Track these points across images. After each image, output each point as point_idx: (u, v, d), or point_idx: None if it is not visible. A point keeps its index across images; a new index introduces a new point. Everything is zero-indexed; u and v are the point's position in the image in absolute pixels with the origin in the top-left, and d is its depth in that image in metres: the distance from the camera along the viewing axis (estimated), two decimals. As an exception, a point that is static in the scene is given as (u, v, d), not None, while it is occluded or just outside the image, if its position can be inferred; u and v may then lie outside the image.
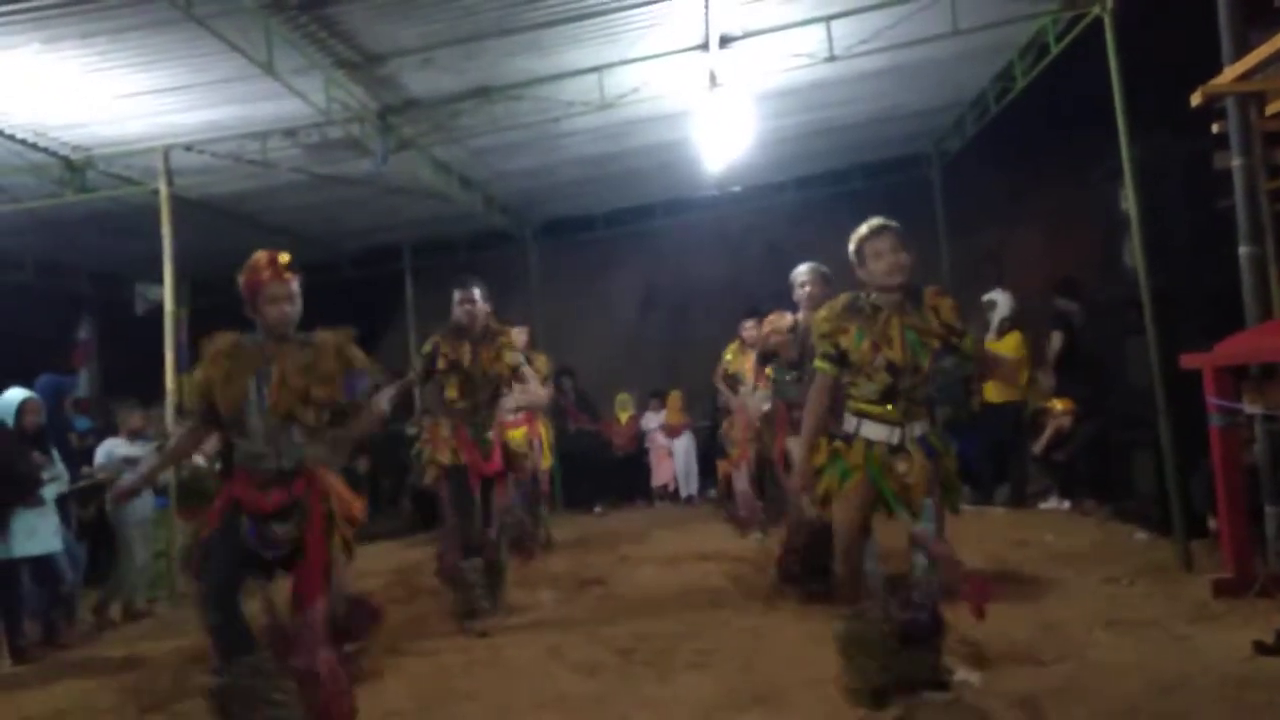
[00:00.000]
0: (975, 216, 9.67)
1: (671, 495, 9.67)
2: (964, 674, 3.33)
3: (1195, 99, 4.44)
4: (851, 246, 3.15)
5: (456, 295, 4.77)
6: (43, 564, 5.13)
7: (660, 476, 9.74)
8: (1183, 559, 4.72)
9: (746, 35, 6.12)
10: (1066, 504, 6.89)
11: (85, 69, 5.29)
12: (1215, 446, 4.30)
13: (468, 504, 4.75)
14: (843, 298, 3.18)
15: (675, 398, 9.81)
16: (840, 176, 9.98)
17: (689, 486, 9.66)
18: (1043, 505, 7.00)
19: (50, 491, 5.20)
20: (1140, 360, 5.34)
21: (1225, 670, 3.21)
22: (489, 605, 4.74)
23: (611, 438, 9.83)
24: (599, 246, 10.91)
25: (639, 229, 10.75)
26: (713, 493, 9.32)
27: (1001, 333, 7.34)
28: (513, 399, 5.20)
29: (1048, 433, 7.01)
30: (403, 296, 10.92)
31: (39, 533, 5.06)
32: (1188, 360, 4.43)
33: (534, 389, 5.03)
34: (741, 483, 6.91)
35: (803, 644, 3.80)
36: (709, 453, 9.55)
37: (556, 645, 4.28)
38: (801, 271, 4.79)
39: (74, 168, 6.78)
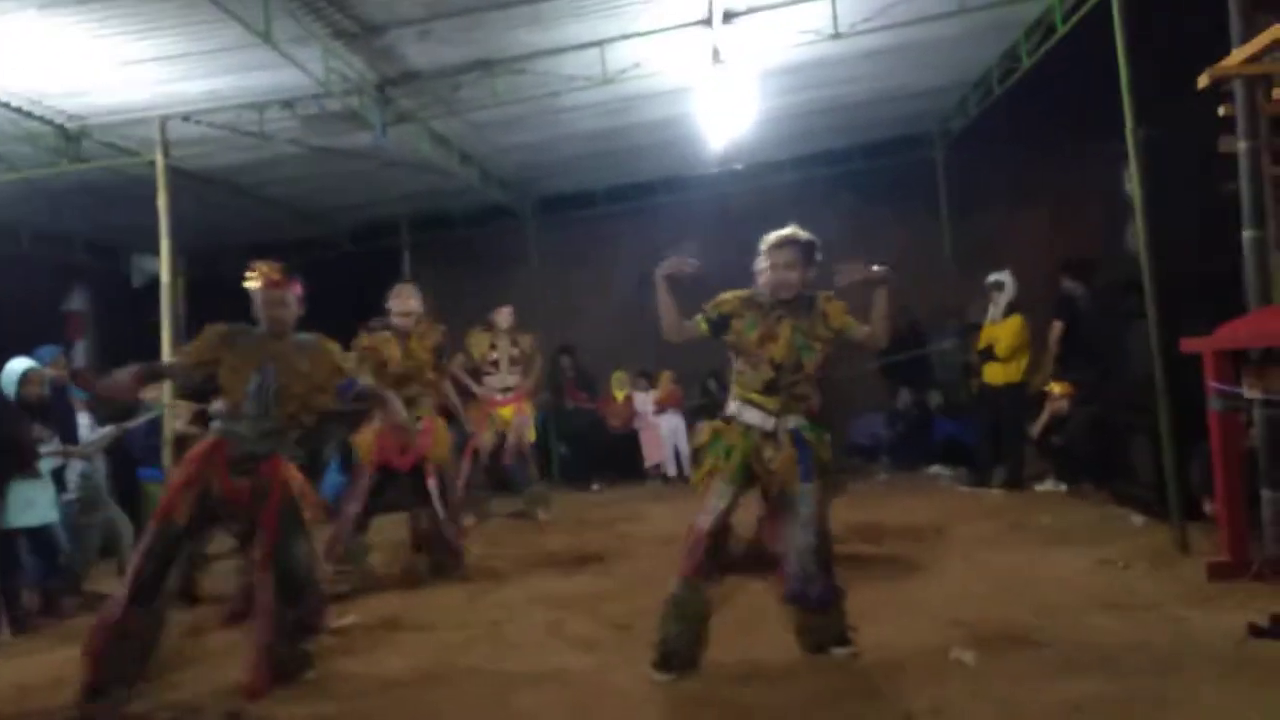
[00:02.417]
0: (978, 198, 9.64)
1: (662, 475, 9.66)
2: (958, 652, 3.35)
3: (1202, 81, 4.40)
4: (757, 259, 3.52)
5: (393, 296, 5.49)
6: (40, 535, 5.12)
7: (651, 456, 9.73)
8: (1179, 542, 4.74)
9: (750, 11, 6.06)
10: (1063, 486, 6.92)
11: (82, 35, 5.22)
12: (1214, 431, 4.30)
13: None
14: (749, 291, 3.53)
15: (665, 377, 9.78)
16: (842, 156, 9.92)
17: (680, 466, 9.66)
18: (1039, 487, 7.02)
19: (47, 464, 5.19)
20: (1141, 344, 5.33)
21: (1220, 652, 3.23)
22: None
23: (607, 416, 9.83)
24: (598, 223, 10.85)
25: (639, 206, 10.69)
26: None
27: (1005, 315, 7.27)
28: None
29: (1045, 415, 7.02)
30: (399, 272, 10.87)
31: (36, 504, 5.05)
32: (1188, 344, 4.42)
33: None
34: None
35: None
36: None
37: (556, 621, 4.30)
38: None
39: (70, 137, 6.71)
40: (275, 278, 3.63)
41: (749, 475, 3.41)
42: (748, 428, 3.42)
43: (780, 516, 3.44)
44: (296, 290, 3.70)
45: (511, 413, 7.34)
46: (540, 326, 9.82)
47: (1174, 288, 5.23)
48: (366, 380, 3.89)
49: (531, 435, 7.64)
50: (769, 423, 3.41)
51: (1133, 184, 5.18)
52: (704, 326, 3.46)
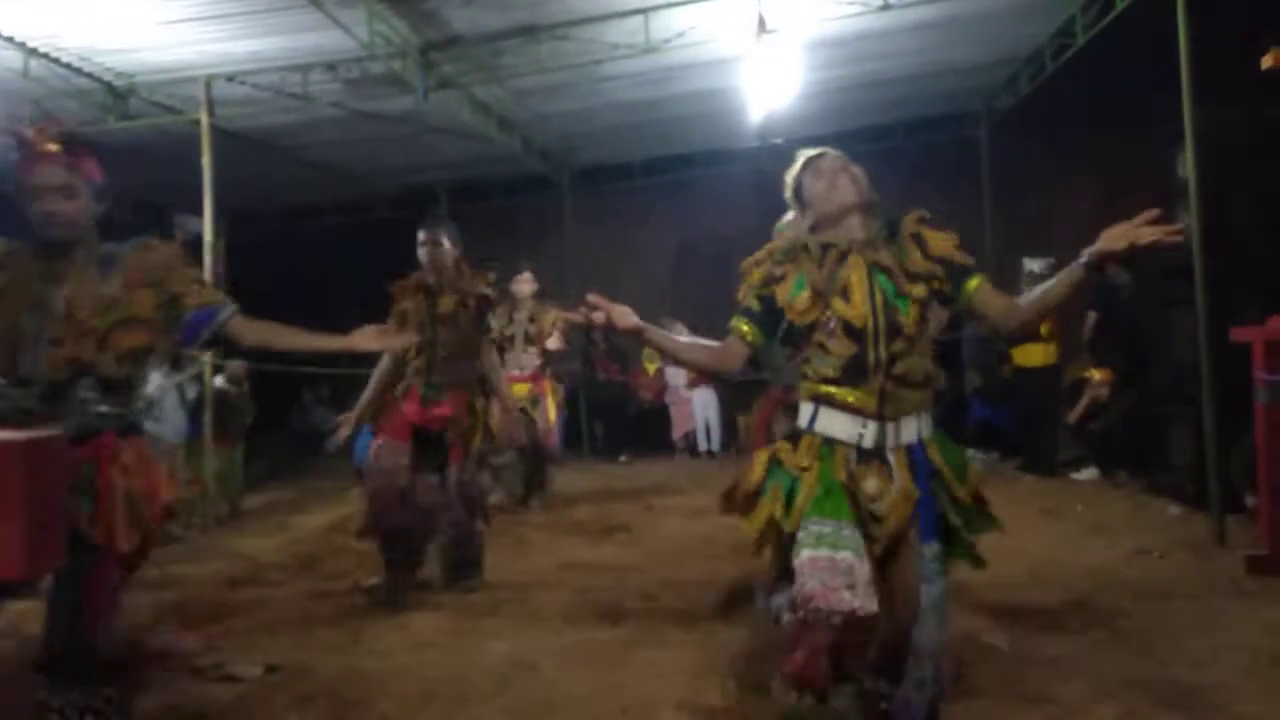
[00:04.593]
0: (1022, 179, 9.44)
1: (691, 448, 9.69)
2: (991, 637, 3.33)
3: (1266, 62, 4.27)
4: (787, 194, 2.42)
5: (420, 234, 4.25)
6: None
7: (680, 428, 9.75)
8: (1217, 534, 4.65)
9: (799, -21, 5.95)
10: (1098, 474, 6.82)
11: (130, -7, 5.26)
12: (1260, 422, 4.20)
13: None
14: (785, 237, 2.43)
15: (680, 327, 9.74)
16: (884, 132, 9.75)
17: (709, 440, 9.67)
18: (1074, 475, 6.92)
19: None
20: (1185, 332, 5.21)
21: (1257, 646, 3.17)
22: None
23: (638, 389, 9.85)
24: (635, 195, 10.80)
25: (676, 179, 10.61)
26: (735, 447, 9.33)
27: None
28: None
29: (1084, 402, 6.91)
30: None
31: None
32: (1238, 333, 4.31)
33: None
34: None
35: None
36: (733, 407, 9.55)
37: (583, 589, 4.33)
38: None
39: (117, 94, 6.79)
40: (46, 145, 2.22)
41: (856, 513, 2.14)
42: (829, 444, 2.17)
43: (883, 588, 2.13)
44: (89, 169, 2.29)
45: (526, 391, 6.21)
46: (574, 297, 9.83)
47: (1224, 275, 5.10)
48: (232, 311, 2.46)
49: (550, 417, 6.53)
50: (866, 432, 2.15)
51: (1187, 167, 5.03)
52: (747, 330, 2.26)
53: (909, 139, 9.70)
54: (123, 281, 2.33)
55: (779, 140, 9.85)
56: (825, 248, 2.24)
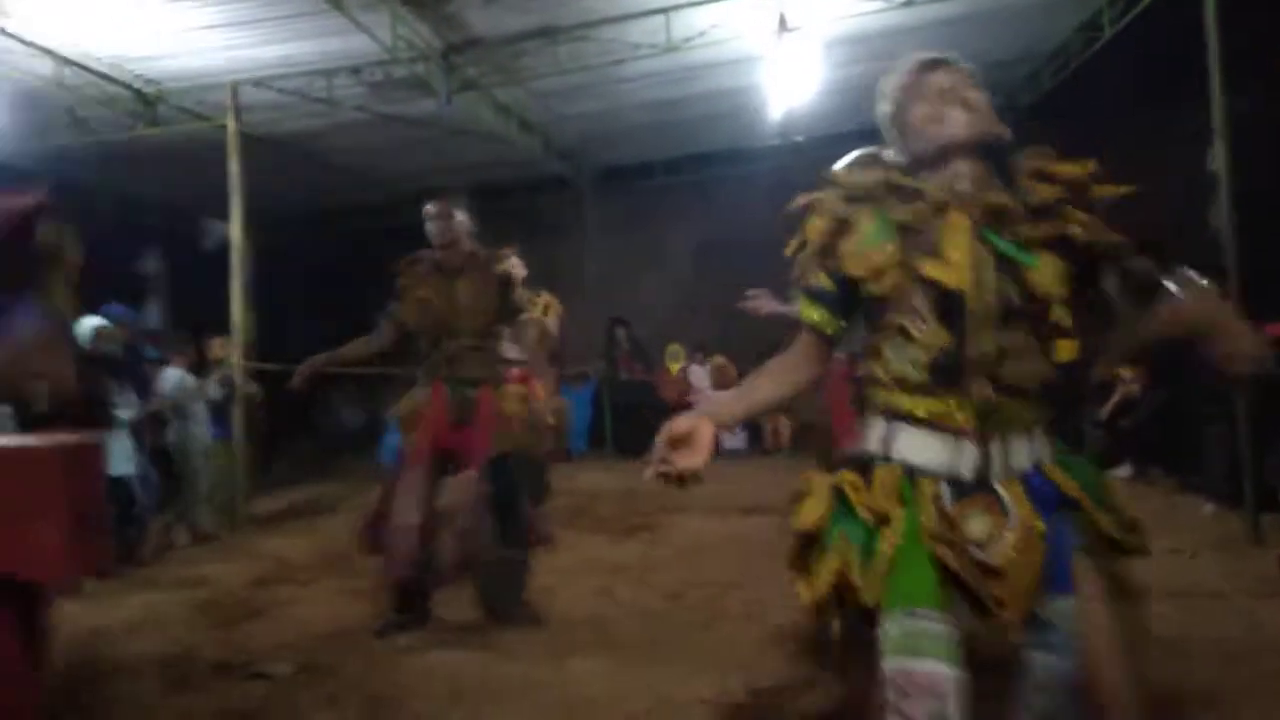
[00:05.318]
0: (1047, 174, 9.33)
1: (715, 448, 9.67)
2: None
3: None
4: (885, 103, 1.75)
5: (429, 207, 3.78)
6: (116, 486, 5.33)
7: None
8: (1252, 532, 4.58)
9: (820, -23, 5.93)
10: (1131, 472, 6.73)
11: (159, 1, 5.34)
12: (1295, 419, 4.14)
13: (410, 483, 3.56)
14: (857, 175, 1.71)
15: (718, 361, 9.71)
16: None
17: (734, 440, 9.66)
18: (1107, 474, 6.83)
19: (123, 417, 5.40)
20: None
21: (1293, 647, 3.12)
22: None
23: (662, 388, 9.86)
24: (655, 195, 10.80)
25: (696, 178, 10.61)
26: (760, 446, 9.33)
27: None
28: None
29: (1115, 398, 6.83)
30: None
31: (113, 456, 5.25)
32: (1273, 330, 4.24)
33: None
34: None
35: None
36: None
37: (606, 588, 4.34)
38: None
39: (147, 101, 6.89)
40: None
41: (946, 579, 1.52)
42: (912, 475, 1.58)
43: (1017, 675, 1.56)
44: None
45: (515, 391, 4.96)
46: (594, 298, 9.88)
47: (1257, 269, 5.02)
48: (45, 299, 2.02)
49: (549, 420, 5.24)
50: (963, 458, 1.56)
51: (1217, 161, 4.96)
52: (819, 319, 1.65)
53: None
54: None
55: (800, 138, 9.82)
56: (916, 194, 1.59)
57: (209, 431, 6.43)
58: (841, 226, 1.62)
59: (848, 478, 1.60)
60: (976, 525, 1.53)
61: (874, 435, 1.63)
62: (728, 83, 7.59)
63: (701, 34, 6.41)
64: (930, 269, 1.53)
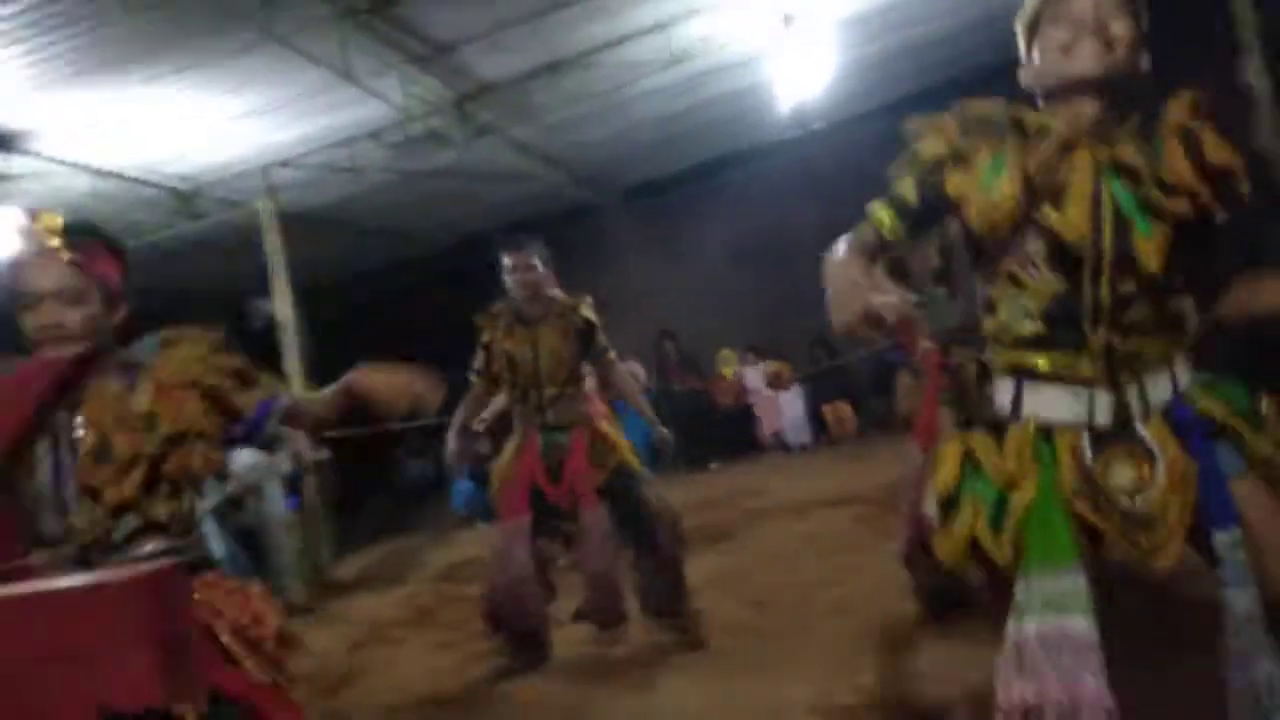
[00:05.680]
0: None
1: (782, 444, 9.61)
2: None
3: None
4: (1022, 15, 1.64)
5: (506, 260, 3.66)
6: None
7: (768, 426, 9.68)
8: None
9: (815, -37, 5.90)
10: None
11: (183, 101, 5.55)
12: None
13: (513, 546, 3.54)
14: (979, 105, 1.63)
15: (771, 365, 9.60)
16: (929, 95, 9.49)
17: (799, 435, 9.56)
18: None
19: (206, 503, 5.58)
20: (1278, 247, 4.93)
21: None
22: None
23: (717, 395, 9.82)
24: (684, 205, 10.82)
25: (723, 181, 10.60)
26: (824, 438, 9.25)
27: None
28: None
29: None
30: (499, 282, 11.10)
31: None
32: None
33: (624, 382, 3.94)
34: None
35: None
36: (815, 399, 9.44)
37: (694, 602, 4.31)
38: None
39: (183, 198, 7.15)
40: (45, 240, 1.73)
41: (1083, 532, 1.50)
42: (1047, 433, 1.54)
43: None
44: (102, 267, 1.80)
45: None
46: (637, 316, 9.90)
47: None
48: (287, 396, 2.09)
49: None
50: (1099, 407, 1.51)
51: (1254, 72, 4.79)
52: (887, 220, 1.61)
53: (958, 97, 9.34)
54: (152, 391, 1.78)
55: (820, 125, 9.75)
56: (1042, 129, 1.51)
57: (285, 505, 6.60)
58: (957, 156, 1.55)
59: (978, 440, 1.57)
60: (1122, 474, 1.49)
61: (1002, 394, 1.59)
62: (738, 84, 7.58)
63: (704, 40, 6.42)
64: (1049, 217, 1.47)
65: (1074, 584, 1.45)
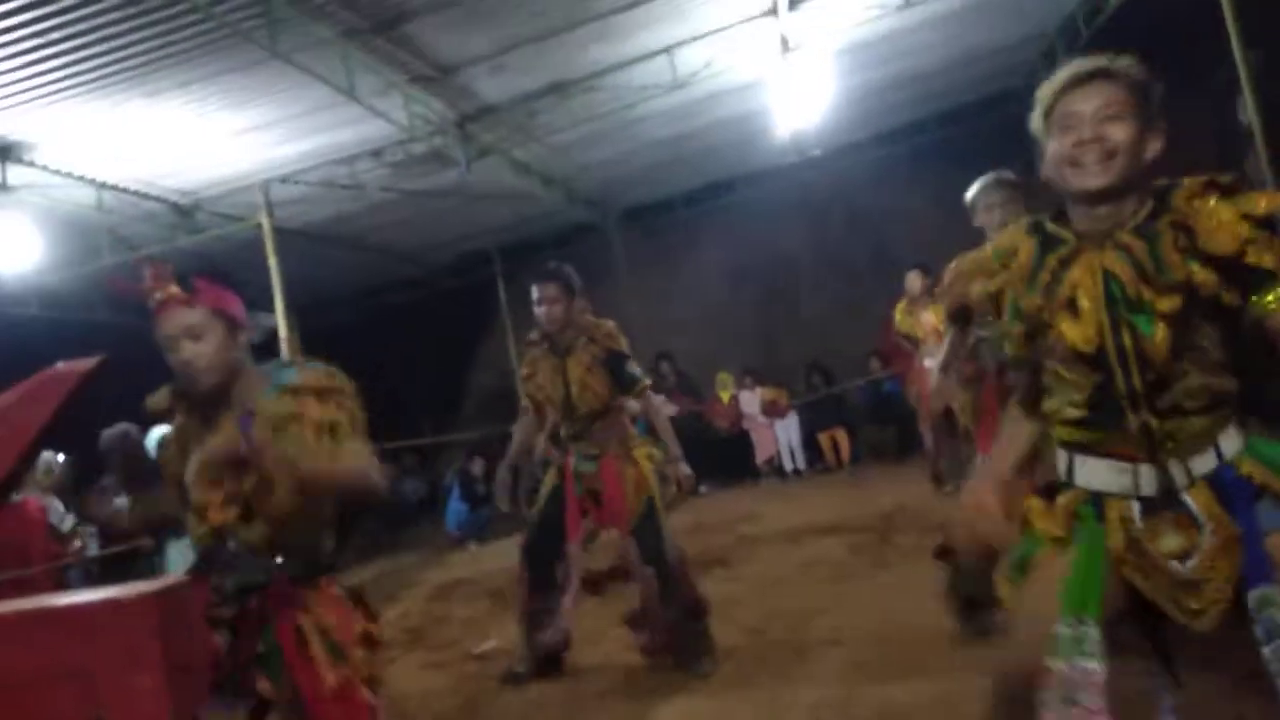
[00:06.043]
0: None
1: (777, 470, 9.60)
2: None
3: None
4: (1035, 118, 1.69)
5: (535, 292, 3.71)
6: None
7: (763, 452, 9.67)
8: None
9: (815, -6, 5.98)
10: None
11: (187, 116, 5.58)
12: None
13: (541, 554, 3.70)
14: (1017, 226, 1.78)
15: (767, 390, 9.62)
16: (924, 126, 9.65)
17: (794, 461, 9.56)
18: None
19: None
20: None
21: None
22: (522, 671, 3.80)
23: (714, 418, 9.82)
24: (683, 227, 10.88)
25: (721, 205, 10.68)
26: (820, 465, 9.25)
27: None
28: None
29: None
30: (497, 301, 11.15)
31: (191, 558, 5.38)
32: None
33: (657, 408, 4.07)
34: (928, 439, 6.61)
35: (937, 612, 3.69)
36: (811, 426, 9.44)
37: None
38: (980, 189, 3.34)
39: (183, 212, 7.16)
40: (163, 290, 1.94)
41: (1119, 588, 1.62)
42: (1095, 500, 1.65)
43: None
44: (217, 301, 1.99)
45: None
46: (634, 337, 9.91)
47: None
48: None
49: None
50: (1143, 480, 1.61)
51: (1247, 111, 4.86)
52: (1010, 347, 1.76)
53: (949, 129, 9.56)
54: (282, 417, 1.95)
55: (817, 151, 9.84)
56: (1048, 243, 1.66)
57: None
58: (993, 276, 1.73)
59: (1034, 506, 1.70)
60: (1170, 540, 1.58)
61: (1060, 464, 1.71)
62: (738, 109, 7.65)
63: (706, 66, 6.48)
64: (1062, 329, 1.60)
65: (1092, 633, 1.55)
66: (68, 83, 4.95)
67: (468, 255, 11.12)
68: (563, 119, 6.84)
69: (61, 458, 5.46)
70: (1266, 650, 1.50)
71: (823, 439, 9.42)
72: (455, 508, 8.24)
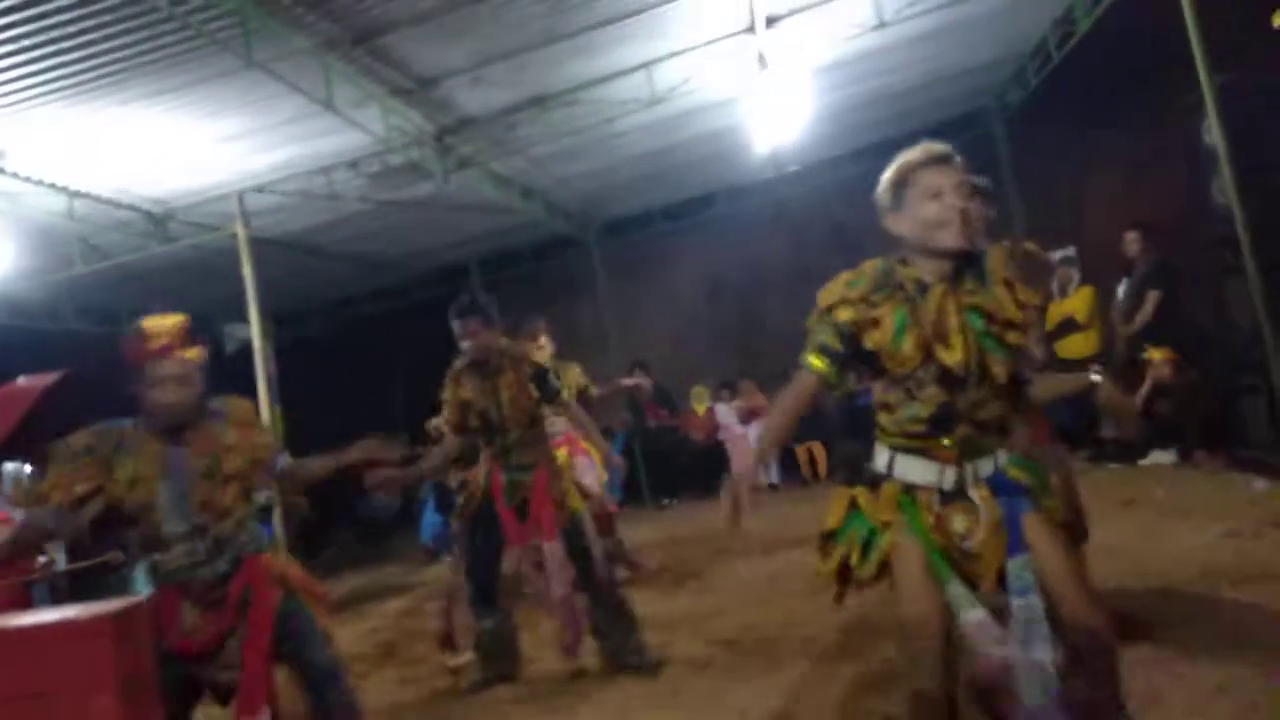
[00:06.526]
0: (1046, 167, 9.33)
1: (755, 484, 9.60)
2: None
3: (1277, 20, 4.21)
4: (887, 178, 2.10)
5: (456, 325, 3.94)
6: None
7: (739, 464, 9.68)
8: (1310, 504, 4.48)
9: (792, 12, 6.04)
10: (1175, 456, 6.60)
11: (159, 124, 5.53)
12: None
13: (481, 551, 3.99)
14: (870, 266, 2.11)
15: (748, 387, 9.73)
16: (898, 143, 9.63)
17: (769, 473, 9.57)
18: (1143, 461, 6.71)
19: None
20: (1240, 300, 5.09)
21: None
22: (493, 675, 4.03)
23: (690, 431, 9.84)
24: (661, 241, 10.92)
25: (699, 219, 10.73)
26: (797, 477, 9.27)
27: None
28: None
29: (1147, 384, 6.72)
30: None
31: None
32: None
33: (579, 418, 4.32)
34: None
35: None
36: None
37: (663, 642, 4.29)
38: None
39: (156, 220, 7.09)
40: (164, 341, 2.57)
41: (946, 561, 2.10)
42: (910, 491, 2.12)
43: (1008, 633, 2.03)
44: (200, 354, 2.65)
45: (564, 455, 5.30)
46: (612, 350, 9.94)
47: (1272, 237, 4.97)
48: (285, 455, 2.99)
49: (601, 478, 5.79)
50: (946, 476, 2.10)
51: (1214, 134, 4.96)
52: (823, 369, 2.09)
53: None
54: (235, 429, 2.71)
55: (794, 167, 9.92)
56: (920, 285, 2.06)
57: (266, 535, 6.48)
58: (869, 322, 2.07)
59: (861, 493, 2.19)
60: (958, 523, 2.10)
61: (881, 460, 2.19)
62: (716, 124, 7.71)
63: (685, 81, 6.53)
64: (940, 355, 2.03)
65: (960, 589, 2.06)
66: (39, 89, 4.89)
67: (446, 266, 11.09)
68: (542, 133, 6.86)
69: (29, 469, 5.37)
70: (1017, 603, 2.02)
71: (799, 451, 9.46)
72: (430, 519, 8.18)
